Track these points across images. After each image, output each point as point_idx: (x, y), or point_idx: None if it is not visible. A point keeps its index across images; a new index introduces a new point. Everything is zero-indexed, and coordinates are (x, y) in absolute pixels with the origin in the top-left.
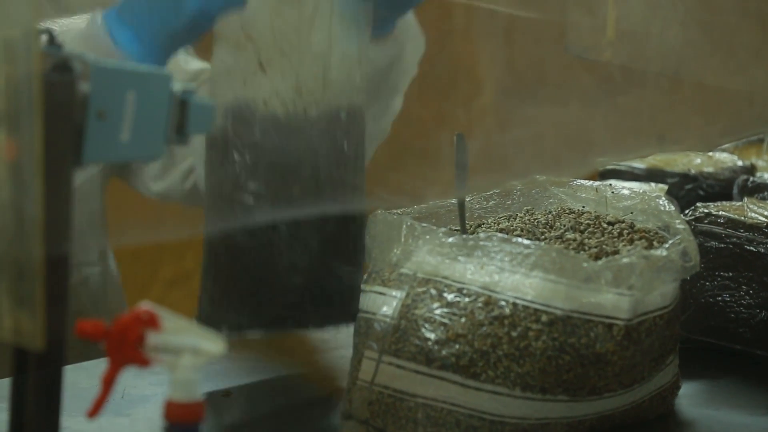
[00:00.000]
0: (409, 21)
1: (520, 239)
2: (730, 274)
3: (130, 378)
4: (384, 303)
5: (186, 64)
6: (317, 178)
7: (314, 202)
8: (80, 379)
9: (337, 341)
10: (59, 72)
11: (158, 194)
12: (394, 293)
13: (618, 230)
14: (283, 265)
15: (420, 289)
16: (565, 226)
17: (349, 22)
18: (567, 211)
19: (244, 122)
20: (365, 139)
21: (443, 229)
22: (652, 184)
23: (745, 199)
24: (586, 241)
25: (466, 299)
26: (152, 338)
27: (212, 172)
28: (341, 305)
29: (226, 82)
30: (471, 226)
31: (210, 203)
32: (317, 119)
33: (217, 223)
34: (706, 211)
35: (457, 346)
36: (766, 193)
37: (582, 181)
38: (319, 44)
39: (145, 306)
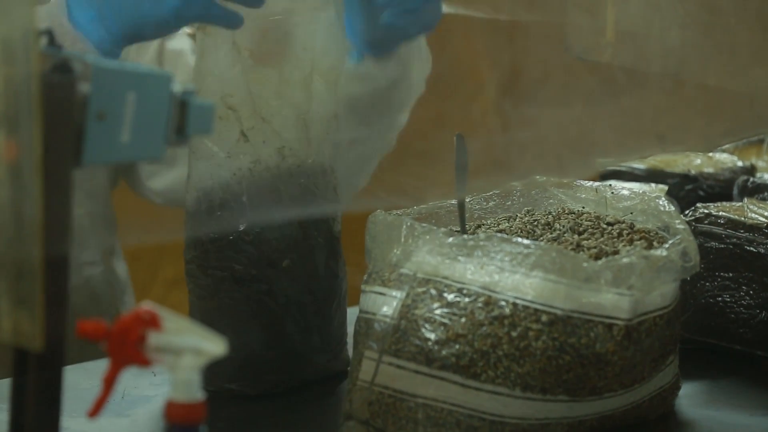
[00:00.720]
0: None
1: (520, 239)
2: (730, 274)
3: (130, 378)
4: (384, 303)
5: (192, 60)
6: (303, 236)
7: (300, 260)
8: (80, 380)
9: None
10: (59, 73)
11: (157, 195)
12: (394, 293)
13: (618, 231)
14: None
15: (420, 289)
16: (564, 227)
17: (328, 74)
18: (567, 212)
19: (228, 195)
20: (368, 157)
21: (443, 230)
22: (653, 185)
23: (745, 199)
24: (584, 242)
25: (466, 299)
26: (153, 338)
27: (193, 234)
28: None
29: (207, 157)
30: (471, 227)
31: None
32: (300, 178)
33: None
34: (706, 211)
35: (457, 346)
36: (766, 194)
37: (582, 182)
38: (300, 104)
39: (146, 306)
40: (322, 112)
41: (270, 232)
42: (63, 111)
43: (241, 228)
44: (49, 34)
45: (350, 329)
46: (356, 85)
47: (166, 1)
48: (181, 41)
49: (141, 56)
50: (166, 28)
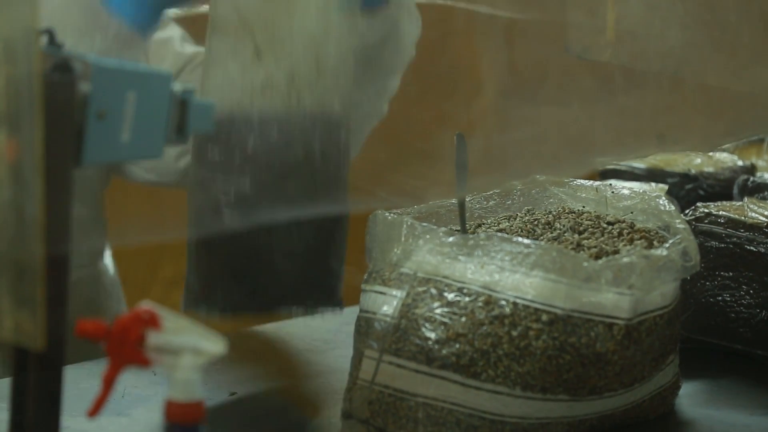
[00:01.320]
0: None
1: (520, 238)
2: (731, 273)
3: (130, 378)
4: (384, 302)
5: (181, 47)
6: (312, 172)
7: (308, 195)
8: (80, 379)
9: (337, 341)
10: (59, 72)
11: (149, 178)
12: (394, 292)
13: (618, 230)
14: (273, 249)
15: (420, 289)
16: (564, 226)
17: (343, 8)
18: (567, 211)
19: (240, 115)
20: (359, 125)
21: (443, 229)
22: (653, 184)
23: (746, 199)
24: (584, 242)
25: (467, 299)
26: (153, 338)
27: (201, 162)
28: (328, 291)
29: (222, 71)
30: (471, 226)
31: (198, 190)
32: (310, 109)
33: (205, 213)
34: (706, 210)
35: (457, 346)
36: (766, 193)
37: (582, 181)
38: (314, 30)
39: (146, 305)
40: (335, 51)
41: (275, 157)
42: (63, 110)
43: (249, 151)
44: (50, 33)
45: (349, 328)
46: (345, 38)
47: None
48: (168, 30)
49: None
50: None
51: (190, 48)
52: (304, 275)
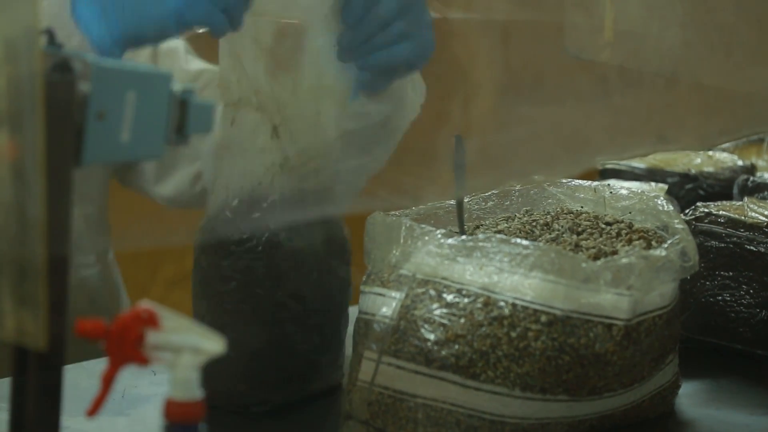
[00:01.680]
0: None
1: (519, 240)
2: (730, 273)
3: (130, 377)
4: (383, 304)
5: (187, 63)
6: (326, 254)
7: (321, 276)
8: (80, 379)
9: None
10: (59, 72)
11: (165, 198)
12: (393, 294)
13: (616, 230)
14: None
15: (419, 290)
16: (563, 227)
17: (332, 92)
18: (565, 212)
19: (260, 194)
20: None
21: (442, 230)
22: (653, 184)
23: (746, 198)
24: (582, 242)
25: (466, 300)
26: (152, 337)
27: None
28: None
29: (243, 150)
30: (469, 228)
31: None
32: (322, 188)
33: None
34: (706, 210)
35: (456, 347)
36: (766, 193)
37: (580, 182)
38: (311, 113)
39: (145, 305)
40: (328, 127)
41: (291, 237)
42: (63, 110)
43: (272, 227)
44: (50, 33)
45: (349, 330)
46: (351, 121)
47: (168, 2)
48: (172, 41)
49: (137, 56)
50: (166, 30)
51: (197, 64)
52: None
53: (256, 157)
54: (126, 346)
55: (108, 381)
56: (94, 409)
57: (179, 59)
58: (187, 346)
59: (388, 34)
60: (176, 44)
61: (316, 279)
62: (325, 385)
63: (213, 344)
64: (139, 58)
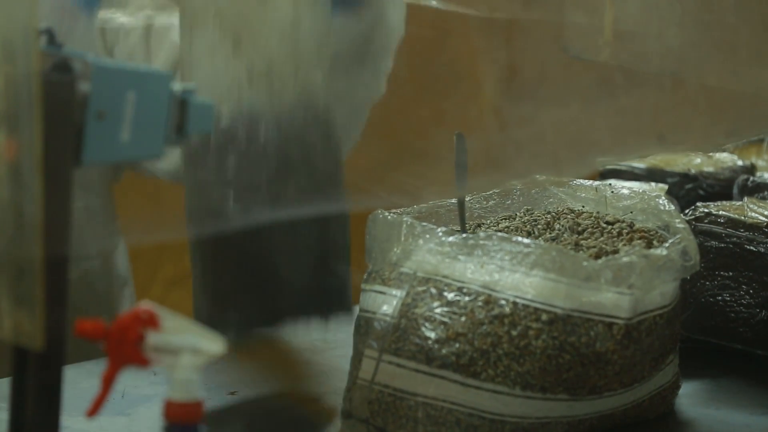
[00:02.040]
0: None
1: (520, 238)
2: (730, 273)
3: (130, 377)
4: (384, 302)
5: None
6: (306, 165)
7: (304, 190)
8: (80, 379)
9: (336, 341)
10: (59, 72)
11: (167, 172)
12: (394, 292)
13: (617, 230)
14: (278, 259)
15: (420, 288)
16: (564, 226)
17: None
18: (566, 211)
19: (229, 110)
20: (357, 108)
21: (443, 229)
22: (653, 184)
23: (746, 198)
24: (583, 242)
25: (466, 298)
26: (152, 338)
27: (194, 171)
28: (338, 295)
29: (205, 66)
30: (470, 226)
31: (194, 203)
32: (296, 99)
33: (203, 224)
34: (706, 210)
35: (457, 345)
36: (766, 193)
37: (581, 181)
38: (286, 17)
39: (145, 305)
40: (310, 29)
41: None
42: (63, 110)
43: (242, 147)
44: (50, 33)
45: (349, 328)
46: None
47: None
48: (170, 16)
49: (129, 34)
50: None
51: None
52: (313, 282)
53: (219, 72)
54: (126, 347)
55: (108, 381)
56: (94, 410)
57: (173, 36)
58: (186, 347)
59: None
60: (173, 20)
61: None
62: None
63: (213, 345)
64: (132, 37)
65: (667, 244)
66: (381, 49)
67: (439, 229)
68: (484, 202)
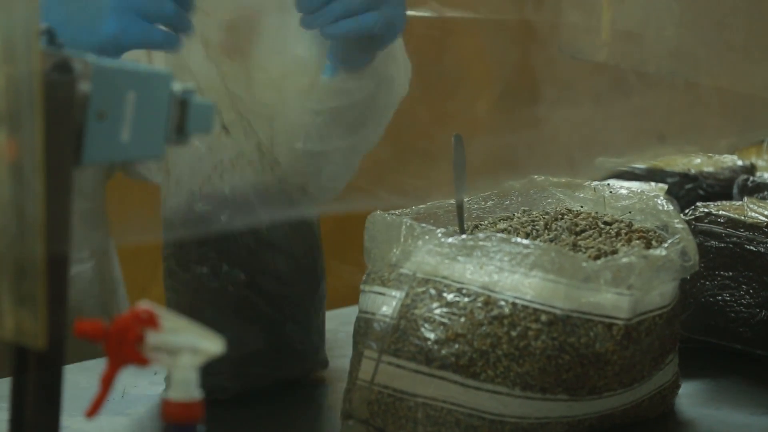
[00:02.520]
0: (393, 47)
1: (519, 239)
2: (730, 273)
3: (130, 377)
4: (383, 303)
5: None
6: (289, 241)
7: (287, 265)
8: (80, 379)
9: (336, 341)
10: (59, 72)
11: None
12: (393, 293)
13: (616, 230)
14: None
15: (419, 289)
16: (562, 226)
17: (299, 82)
18: (565, 212)
19: (213, 192)
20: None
21: (442, 229)
22: (652, 184)
23: (745, 198)
24: (582, 242)
25: (466, 299)
26: (151, 338)
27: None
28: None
29: (189, 149)
30: (469, 227)
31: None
32: (283, 178)
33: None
34: (706, 210)
35: (456, 346)
36: (766, 193)
37: (580, 181)
38: (269, 106)
39: (144, 305)
40: (290, 119)
41: (248, 231)
42: (63, 110)
43: (223, 221)
44: (50, 32)
45: (348, 329)
46: (334, 99)
47: (103, 30)
48: None
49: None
50: (107, 55)
51: None
52: (287, 348)
53: (205, 155)
54: (125, 347)
55: (107, 381)
56: (94, 410)
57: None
58: (186, 347)
59: (351, 1)
60: None
61: (275, 269)
62: (290, 375)
63: (212, 344)
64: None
65: (666, 245)
66: (384, 108)
67: (438, 230)
68: (483, 203)
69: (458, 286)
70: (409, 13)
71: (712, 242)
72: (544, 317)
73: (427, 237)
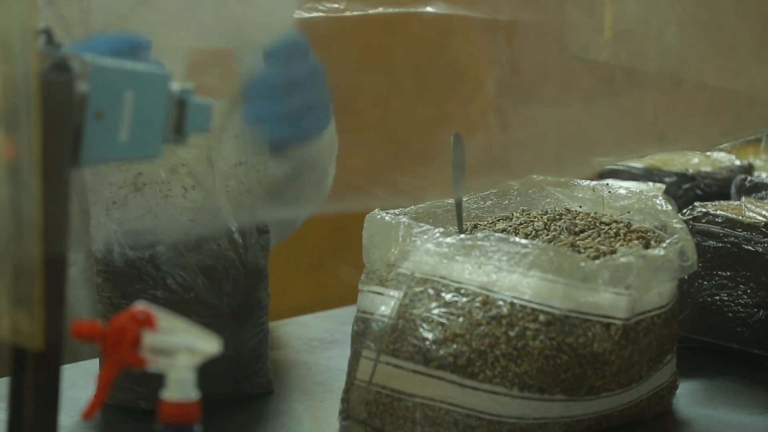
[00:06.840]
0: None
1: (517, 238)
2: (728, 273)
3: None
4: (382, 303)
5: None
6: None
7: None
8: (78, 379)
9: (334, 341)
10: (57, 71)
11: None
12: (391, 293)
13: (615, 230)
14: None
15: (418, 289)
16: (561, 226)
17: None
18: (564, 212)
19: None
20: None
21: (441, 229)
22: (650, 184)
23: (743, 198)
24: (580, 242)
25: (464, 299)
26: (148, 338)
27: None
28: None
29: (154, 211)
30: (468, 227)
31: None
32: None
33: None
34: (703, 210)
35: (454, 346)
36: (763, 193)
37: (579, 181)
38: (229, 166)
39: (141, 306)
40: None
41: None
42: (61, 110)
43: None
44: (48, 32)
45: (346, 329)
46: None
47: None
48: None
49: None
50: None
51: None
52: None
53: (170, 214)
54: (122, 348)
55: (105, 383)
56: (91, 411)
57: None
58: (182, 347)
59: (290, 107)
60: None
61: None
62: (222, 391)
63: (208, 344)
64: None
65: (664, 245)
66: (311, 183)
67: (436, 230)
68: (482, 203)
69: (456, 285)
70: (407, 11)
71: (710, 242)
72: (542, 317)
73: (425, 236)
